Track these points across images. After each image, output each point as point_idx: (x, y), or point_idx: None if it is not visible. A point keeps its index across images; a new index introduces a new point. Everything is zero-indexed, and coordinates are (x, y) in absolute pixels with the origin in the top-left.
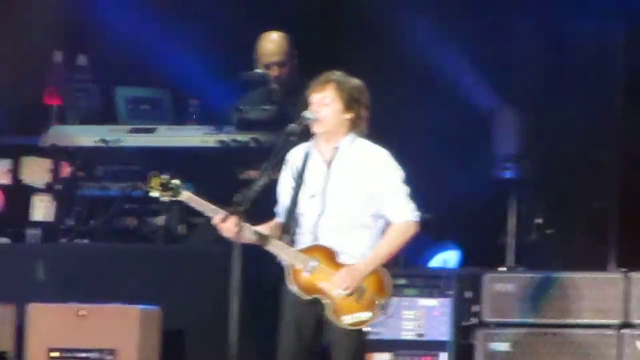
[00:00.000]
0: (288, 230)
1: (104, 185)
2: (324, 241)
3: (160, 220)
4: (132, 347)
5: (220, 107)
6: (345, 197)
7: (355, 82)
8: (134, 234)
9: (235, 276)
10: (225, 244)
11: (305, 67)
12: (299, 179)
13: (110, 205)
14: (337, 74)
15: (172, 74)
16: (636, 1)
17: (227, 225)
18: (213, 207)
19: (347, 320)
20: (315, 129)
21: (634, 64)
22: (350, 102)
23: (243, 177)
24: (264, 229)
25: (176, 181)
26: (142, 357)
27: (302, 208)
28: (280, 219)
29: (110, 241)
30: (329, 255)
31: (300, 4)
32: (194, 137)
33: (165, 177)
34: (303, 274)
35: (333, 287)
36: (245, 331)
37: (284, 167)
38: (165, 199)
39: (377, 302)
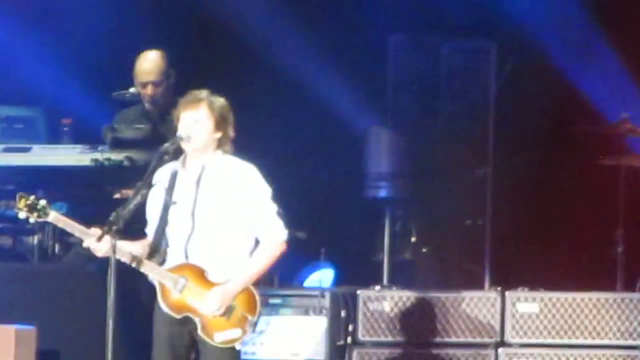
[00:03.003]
0: (158, 249)
1: None
2: (193, 259)
3: (34, 239)
4: None
5: (95, 126)
6: (214, 216)
7: (223, 101)
8: (8, 252)
9: (110, 295)
10: (100, 262)
11: (179, 86)
12: (168, 197)
13: None
14: (206, 93)
15: (45, 93)
16: (506, 21)
17: (100, 245)
18: (82, 228)
19: (219, 338)
20: (186, 147)
21: (505, 81)
22: (220, 121)
23: (116, 196)
24: (135, 248)
25: (43, 202)
26: None
27: (172, 227)
28: (150, 238)
29: None
30: (198, 274)
31: (179, 23)
32: (68, 156)
33: (32, 198)
34: (173, 293)
35: (204, 306)
36: (121, 351)
37: (152, 186)
38: (33, 220)
39: (247, 319)
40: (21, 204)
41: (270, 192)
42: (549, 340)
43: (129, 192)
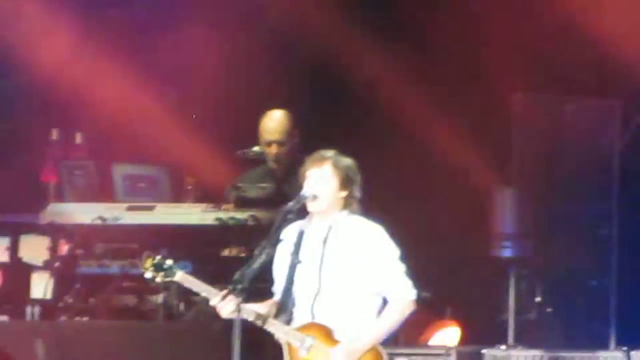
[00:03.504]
0: (285, 308)
1: (103, 263)
2: (320, 319)
3: (159, 297)
4: None
5: (218, 185)
6: (341, 275)
7: (350, 161)
8: (133, 311)
9: (235, 354)
10: (226, 320)
11: (305, 146)
12: (295, 257)
13: (109, 283)
14: (333, 152)
15: (169, 151)
16: (633, 78)
17: (225, 304)
18: (208, 287)
19: None
20: (311, 206)
21: (631, 139)
22: (346, 180)
23: (224, 254)
24: (261, 307)
25: (170, 262)
26: None
27: (298, 286)
28: (276, 297)
29: (110, 319)
30: (325, 333)
31: (303, 83)
32: (192, 214)
33: (158, 257)
34: (300, 352)
35: None
36: None
37: (279, 245)
38: (159, 279)
39: None
40: (147, 264)
41: (398, 252)
42: None
43: (235, 250)
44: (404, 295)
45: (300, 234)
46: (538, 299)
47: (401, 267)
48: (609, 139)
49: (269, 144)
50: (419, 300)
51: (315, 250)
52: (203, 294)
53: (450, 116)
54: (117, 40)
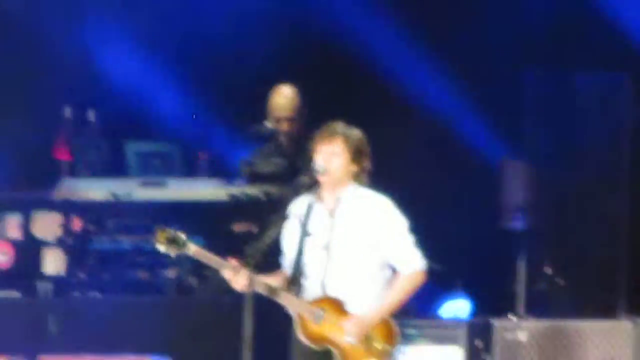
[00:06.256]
0: (295, 281)
1: (115, 239)
2: (331, 291)
3: (171, 272)
4: None
5: (230, 160)
6: (350, 247)
7: (360, 134)
8: (145, 286)
9: (246, 327)
10: (236, 294)
11: (313, 119)
12: (304, 230)
13: (121, 259)
14: (343, 126)
15: (181, 128)
16: None
17: (238, 277)
18: (221, 260)
19: None
20: (322, 179)
21: None
22: (357, 154)
23: (235, 229)
24: (272, 280)
25: (182, 235)
26: None
27: (308, 259)
28: (287, 270)
29: (121, 294)
30: (336, 305)
31: (309, 57)
32: (204, 190)
33: (171, 231)
34: (311, 324)
35: (342, 335)
36: None
37: (289, 219)
38: (172, 253)
39: (385, 350)
40: (161, 237)
41: (407, 224)
42: None
43: (243, 226)
44: (414, 267)
45: (310, 207)
46: (548, 270)
47: (410, 239)
48: (620, 112)
49: (279, 120)
50: (429, 272)
51: (324, 223)
52: (216, 267)
53: (462, 90)
54: (126, 10)
